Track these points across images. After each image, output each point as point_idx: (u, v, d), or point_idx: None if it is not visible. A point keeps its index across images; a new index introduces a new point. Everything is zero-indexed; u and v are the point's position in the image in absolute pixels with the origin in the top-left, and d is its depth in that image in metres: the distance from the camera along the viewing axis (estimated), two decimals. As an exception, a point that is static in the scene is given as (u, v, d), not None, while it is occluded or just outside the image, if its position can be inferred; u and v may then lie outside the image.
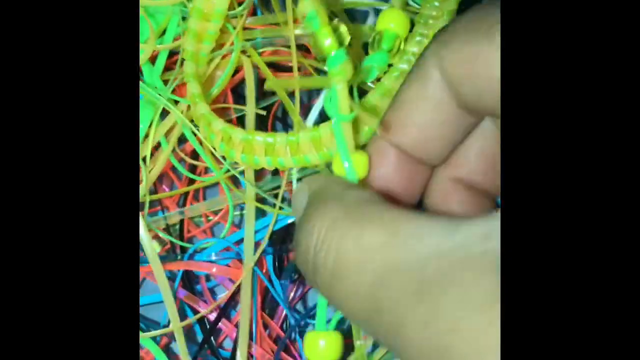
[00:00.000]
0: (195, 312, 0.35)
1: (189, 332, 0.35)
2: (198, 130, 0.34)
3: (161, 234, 0.35)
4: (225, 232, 0.35)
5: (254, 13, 0.38)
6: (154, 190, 0.37)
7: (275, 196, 0.37)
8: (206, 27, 0.34)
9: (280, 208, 0.35)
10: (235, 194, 0.35)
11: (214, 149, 0.33)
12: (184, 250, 0.35)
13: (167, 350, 0.35)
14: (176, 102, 0.35)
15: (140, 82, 0.33)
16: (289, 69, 0.38)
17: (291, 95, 0.38)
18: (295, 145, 0.30)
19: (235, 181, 0.36)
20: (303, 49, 0.38)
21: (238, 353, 0.33)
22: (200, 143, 0.35)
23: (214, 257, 0.35)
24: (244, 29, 0.37)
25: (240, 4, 0.36)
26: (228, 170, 0.34)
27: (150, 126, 0.34)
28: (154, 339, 0.33)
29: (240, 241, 0.34)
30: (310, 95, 0.40)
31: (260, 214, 0.36)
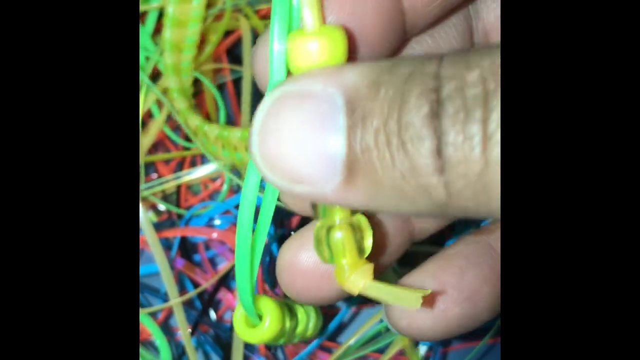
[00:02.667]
0: (194, 282, 0.33)
1: (188, 302, 0.33)
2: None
3: (157, 201, 0.34)
4: (223, 196, 0.34)
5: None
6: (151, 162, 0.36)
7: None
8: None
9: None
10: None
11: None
12: (182, 219, 0.34)
13: (166, 321, 0.34)
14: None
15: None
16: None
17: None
18: None
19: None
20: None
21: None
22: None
23: (216, 221, 0.33)
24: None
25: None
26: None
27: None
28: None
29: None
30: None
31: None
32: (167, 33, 0.31)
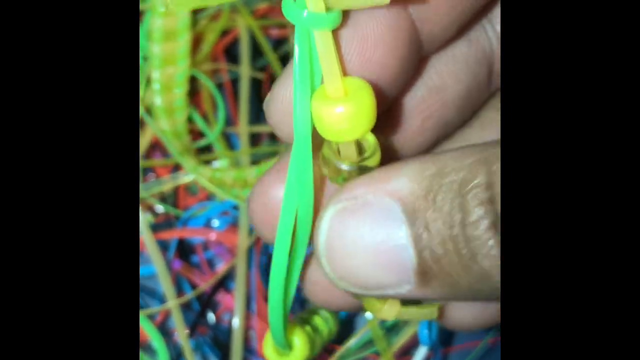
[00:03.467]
0: (192, 284, 0.33)
1: (186, 303, 0.33)
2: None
3: (155, 202, 0.34)
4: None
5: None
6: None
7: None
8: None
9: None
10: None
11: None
12: (179, 220, 0.34)
13: (164, 323, 0.33)
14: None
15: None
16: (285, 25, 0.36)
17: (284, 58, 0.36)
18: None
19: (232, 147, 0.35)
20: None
21: (235, 325, 0.31)
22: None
23: (214, 222, 0.33)
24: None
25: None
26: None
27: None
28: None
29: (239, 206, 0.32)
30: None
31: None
32: (156, 48, 0.30)
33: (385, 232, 0.16)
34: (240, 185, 0.30)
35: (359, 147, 0.17)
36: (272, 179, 0.20)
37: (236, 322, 0.31)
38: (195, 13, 0.33)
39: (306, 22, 0.15)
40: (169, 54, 0.30)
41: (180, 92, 0.32)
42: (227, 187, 0.30)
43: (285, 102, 0.18)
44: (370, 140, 0.17)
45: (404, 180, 0.16)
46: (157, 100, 0.31)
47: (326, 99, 0.16)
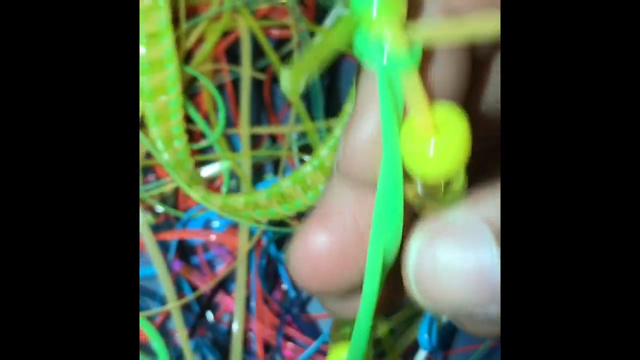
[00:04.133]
0: (192, 285, 0.33)
1: (186, 305, 0.33)
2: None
3: (155, 203, 0.33)
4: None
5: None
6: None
7: (274, 162, 0.35)
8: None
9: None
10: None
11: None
12: (179, 221, 0.34)
13: (164, 324, 0.33)
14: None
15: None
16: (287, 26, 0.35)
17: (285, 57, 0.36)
18: (302, 180, 0.29)
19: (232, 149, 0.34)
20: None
21: (234, 327, 0.31)
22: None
23: (214, 223, 0.33)
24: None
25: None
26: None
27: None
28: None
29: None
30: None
31: (258, 180, 0.34)
32: (145, 80, 0.30)
33: (477, 253, 0.16)
34: (251, 208, 0.31)
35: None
36: (313, 229, 0.20)
37: (236, 324, 0.31)
38: (176, 19, 0.32)
39: (389, 66, 0.14)
40: (158, 84, 0.30)
41: (175, 120, 0.31)
42: (239, 212, 0.31)
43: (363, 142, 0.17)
44: (459, 181, 0.17)
45: (492, 204, 0.16)
46: (154, 132, 0.31)
47: (414, 135, 0.15)
